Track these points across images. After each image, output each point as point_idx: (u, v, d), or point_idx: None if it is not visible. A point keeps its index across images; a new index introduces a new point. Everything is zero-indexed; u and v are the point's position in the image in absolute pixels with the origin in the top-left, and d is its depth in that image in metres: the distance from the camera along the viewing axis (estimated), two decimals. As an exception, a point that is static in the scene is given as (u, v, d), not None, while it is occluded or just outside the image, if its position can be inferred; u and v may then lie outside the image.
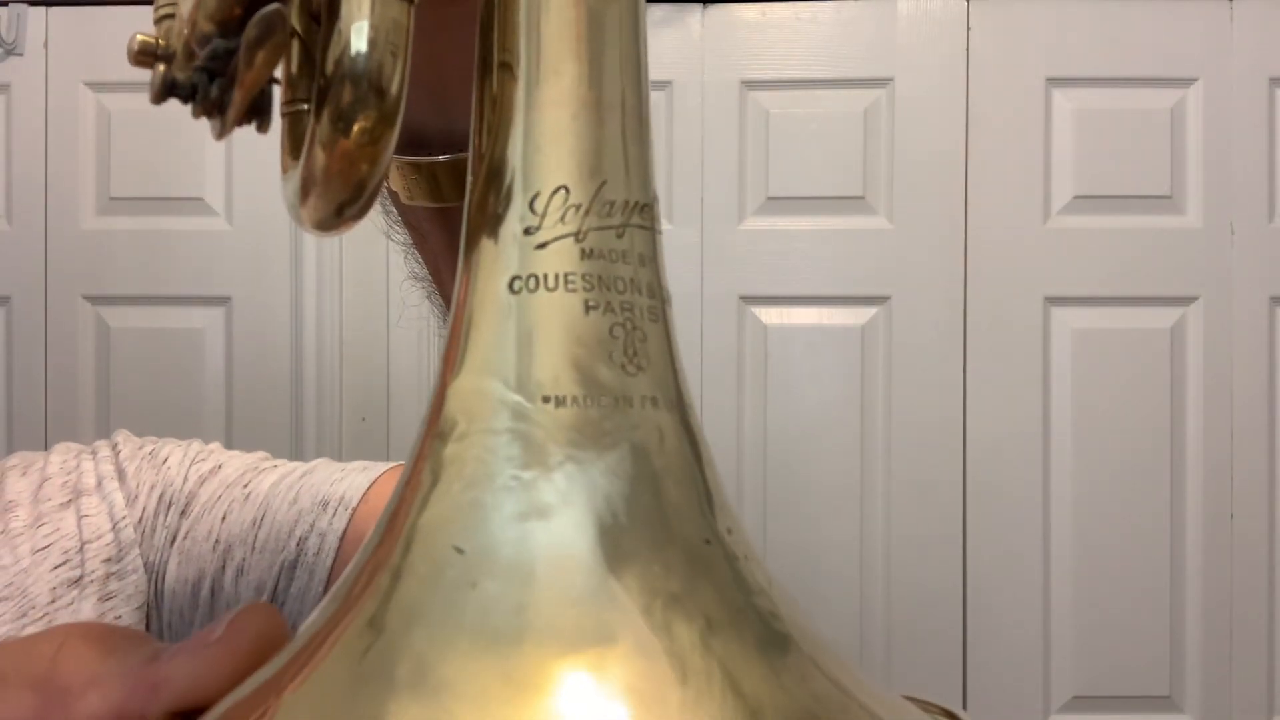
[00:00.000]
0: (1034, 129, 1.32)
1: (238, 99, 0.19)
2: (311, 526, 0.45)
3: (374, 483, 0.47)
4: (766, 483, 1.31)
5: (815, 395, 1.32)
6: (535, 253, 0.18)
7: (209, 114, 0.19)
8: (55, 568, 0.44)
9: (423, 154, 0.27)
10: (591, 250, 0.18)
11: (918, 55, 1.33)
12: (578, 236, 0.18)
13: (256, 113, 0.19)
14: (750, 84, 1.33)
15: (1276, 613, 1.30)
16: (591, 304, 0.18)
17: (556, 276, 0.18)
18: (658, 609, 0.16)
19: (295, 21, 0.20)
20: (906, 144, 1.32)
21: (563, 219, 0.18)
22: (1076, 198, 1.32)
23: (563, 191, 0.18)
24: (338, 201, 0.18)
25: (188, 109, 0.20)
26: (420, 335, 1.34)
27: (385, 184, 0.28)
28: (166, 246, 1.34)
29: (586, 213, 0.18)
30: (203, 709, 0.18)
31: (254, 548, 0.45)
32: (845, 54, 1.33)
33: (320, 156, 0.18)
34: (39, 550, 0.44)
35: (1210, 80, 1.31)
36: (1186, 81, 1.32)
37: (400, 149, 0.27)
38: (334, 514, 0.45)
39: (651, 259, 0.19)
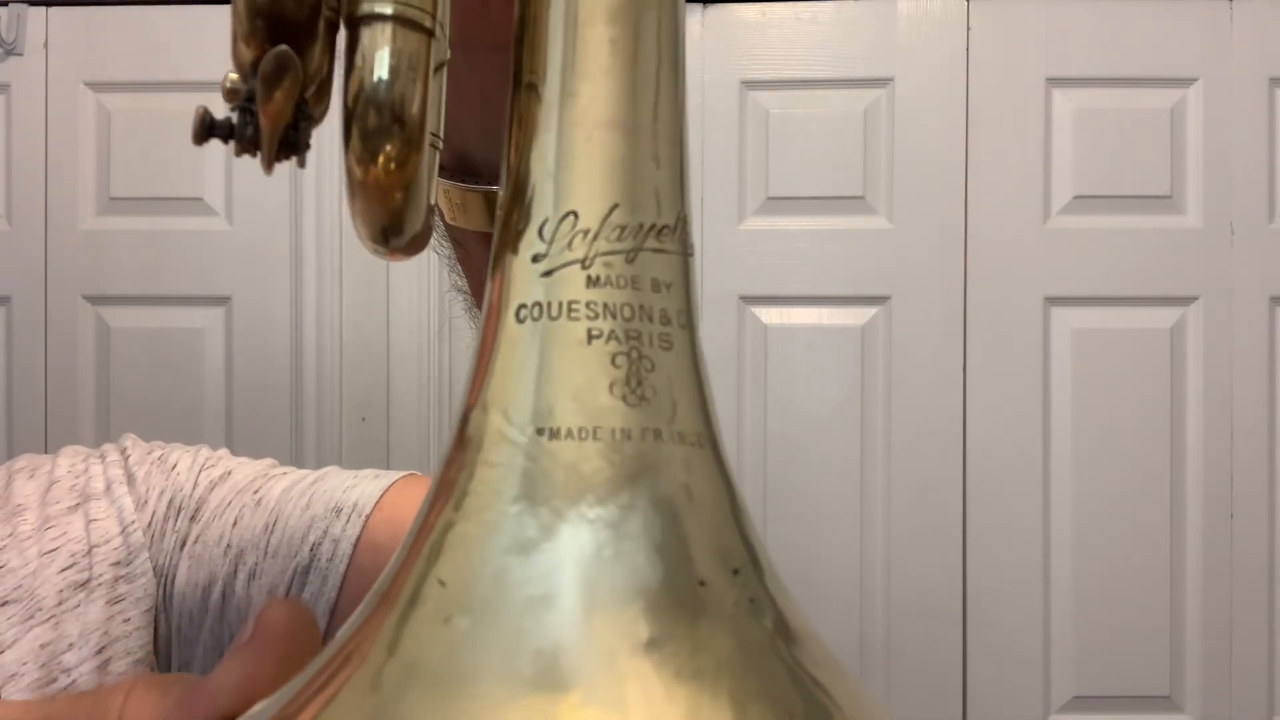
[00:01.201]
0: (1034, 129, 1.32)
1: (264, 136, 0.19)
2: (325, 532, 0.45)
3: (386, 491, 0.47)
4: (766, 483, 1.31)
5: (815, 395, 1.32)
6: (541, 280, 0.18)
7: (249, 152, 0.20)
8: (63, 570, 0.44)
9: (469, 181, 0.28)
10: (598, 277, 0.17)
11: (918, 55, 1.33)
12: (584, 263, 0.18)
13: (290, 148, 0.20)
14: (750, 84, 1.33)
15: (1276, 613, 1.30)
16: (595, 333, 0.17)
17: (560, 305, 0.17)
18: (623, 656, 0.15)
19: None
20: (906, 144, 1.32)
21: (570, 245, 0.18)
22: (1076, 198, 1.32)
23: (571, 217, 0.18)
24: (379, 225, 0.19)
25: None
26: (420, 336, 1.34)
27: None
28: (166, 246, 1.34)
29: (595, 238, 0.18)
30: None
31: (266, 552, 0.45)
32: (845, 54, 1.33)
33: (354, 182, 0.18)
34: (46, 553, 0.44)
35: (1210, 80, 1.31)
36: (1186, 81, 1.32)
37: (450, 174, 0.28)
38: (347, 521, 0.46)
39: (670, 283, 0.18)
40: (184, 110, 1.46)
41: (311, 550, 0.45)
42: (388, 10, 0.18)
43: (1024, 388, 1.32)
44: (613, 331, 0.17)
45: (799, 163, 1.33)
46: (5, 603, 0.43)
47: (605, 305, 0.17)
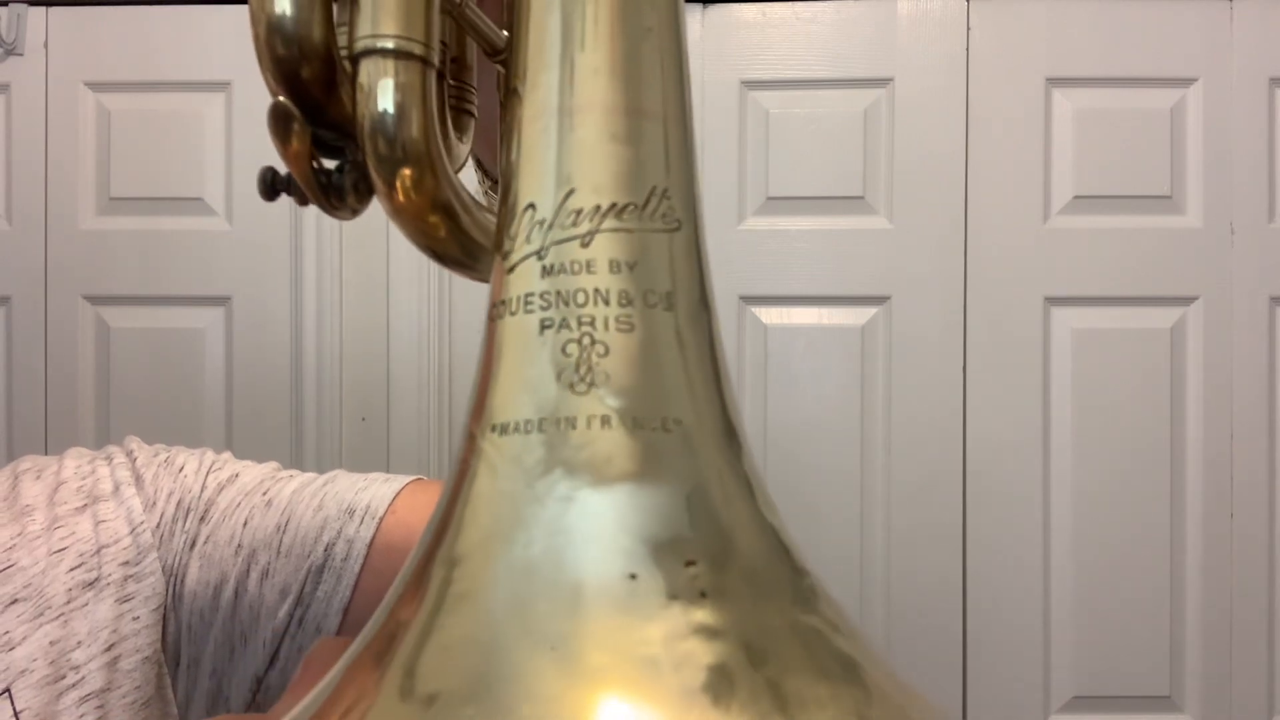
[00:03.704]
0: (1034, 129, 1.32)
1: (299, 182, 0.20)
2: (339, 533, 0.46)
3: (398, 494, 0.48)
4: (766, 483, 1.31)
5: (815, 395, 1.32)
6: (506, 277, 0.18)
7: (310, 201, 0.21)
8: (71, 570, 0.45)
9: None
10: (552, 266, 0.17)
11: (918, 55, 1.33)
12: (540, 254, 0.17)
13: (336, 194, 0.20)
14: (750, 84, 1.33)
15: (1276, 613, 1.30)
16: (546, 323, 0.17)
17: (518, 299, 0.17)
18: (523, 653, 0.14)
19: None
20: (906, 144, 1.32)
21: (528, 238, 0.18)
22: (1076, 198, 1.32)
23: (530, 210, 0.18)
24: (424, 248, 0.20)
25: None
26: (421, 336, 1.34)
27: (485, 184, 0.31)
28: (166, 246, 1.35)
29: (550, 227, 0.17)
30: None
31: (279, 552, 0.46)
32: (845, 54, 1.33)
33: (385, 209, 0.20)
34: (55, 552, 0.45)
35: (1210, 80, 1.31)
36: (1186, 81, 1.32)
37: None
38: (361, 522, 0.47)
39: (633, 263, 0.17)
40: (184, 110, 1.46)
41: (326, 550, 0.46)
42: (385, 45, 0.19)
43: (1024, 388, 1.32)
44: (564, 319, 0.17)
45: (799, 163, 1.33)
46: (15, 600, 0.44)
47: (558, 293, 0.17)
